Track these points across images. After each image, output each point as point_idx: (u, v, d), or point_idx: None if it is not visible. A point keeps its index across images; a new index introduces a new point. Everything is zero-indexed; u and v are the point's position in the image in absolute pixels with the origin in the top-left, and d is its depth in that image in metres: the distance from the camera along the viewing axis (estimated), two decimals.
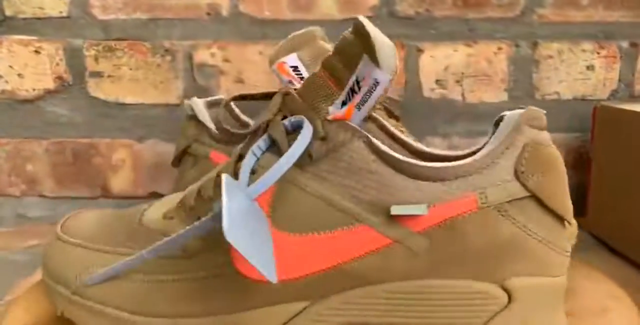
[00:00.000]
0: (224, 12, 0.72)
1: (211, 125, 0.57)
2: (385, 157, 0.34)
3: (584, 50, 0.73)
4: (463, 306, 0.35)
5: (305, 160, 0.34)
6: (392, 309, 0.36)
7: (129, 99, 0.74)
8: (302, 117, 0.34)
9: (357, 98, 0.33)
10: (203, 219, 0.34)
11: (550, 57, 0.73)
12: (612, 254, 0.62)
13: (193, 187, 0.39)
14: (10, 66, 0.73)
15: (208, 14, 0.72)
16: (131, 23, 0.72)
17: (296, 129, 0.35)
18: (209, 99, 0.61)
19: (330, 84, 0.34)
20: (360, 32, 0.33)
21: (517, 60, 0.73)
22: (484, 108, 0.74)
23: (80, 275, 0.38)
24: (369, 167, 0.34)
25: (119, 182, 0.75)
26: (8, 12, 0.72)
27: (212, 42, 0.73)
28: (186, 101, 0.59)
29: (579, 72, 0.74)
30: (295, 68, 0.53)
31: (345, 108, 0.34)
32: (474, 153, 0.38)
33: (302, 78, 0.53)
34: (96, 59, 0.73)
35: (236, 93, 0.73)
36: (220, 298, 0.36)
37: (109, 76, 0.73)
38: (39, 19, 0.72)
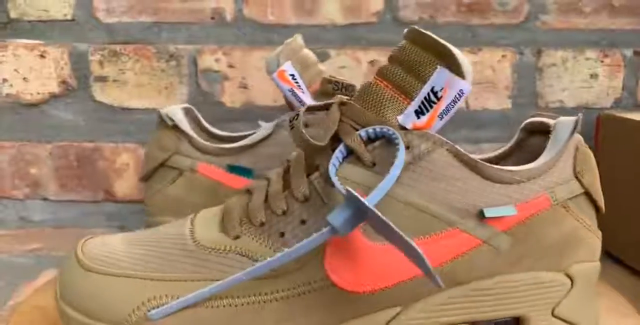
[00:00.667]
0: (228, 17, 0.72)
1: (194, 135, 0.56)
2: (469, 163, 0.37)
3: (587, 58, 0.73)
4: (537, 295, 0.39)
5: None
6: (478, 305, 0.38)
7: (133, 104, 0.74)
8: (384, 127, 0.35)
9: (439, 108, 0.35)
10: (322, 231, 0.33)
11: (554, 65, 0.73)
12: (615, 263, 0.62)
13: (255, 203, 0.37)
14: (16, 70, 0.73)
15: (212, 18, 0.72)
16: (136, 26, 0.72)
17: (371, 139, 0.36)
18: (183, 106, 0.59)
19: (393, 94, 0.36)
20: (422, 41, 0.35)
21: (521, 67, 0.73)
22: (488, 115, 0.74)
23: (138, 310, 0.35)
24: (454, 174, 0.36)
25: (123, 186, 0.75)
26: (13, 15, 0.72)
27: (217, 47, 0.73)
28: (161, 110, 0.57)
29: (582, 80, 0.74)
30: (293, 76, 0.53)
31: (425, 118, 0.36)
32: (501, 156, 0.44)
33: (299, 86, 0.53)
34: (101, 63, 0.73)
35: (241, 99, 0.73)
36: (318, 314, 0.36)
37: (114, 81, 0.73)
38: (43, 22, 0.72)
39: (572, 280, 0.40)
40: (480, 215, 0.37)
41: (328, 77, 0.53)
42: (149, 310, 0.35)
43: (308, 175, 0.37)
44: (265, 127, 0.54)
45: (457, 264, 0.37)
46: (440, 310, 0.38)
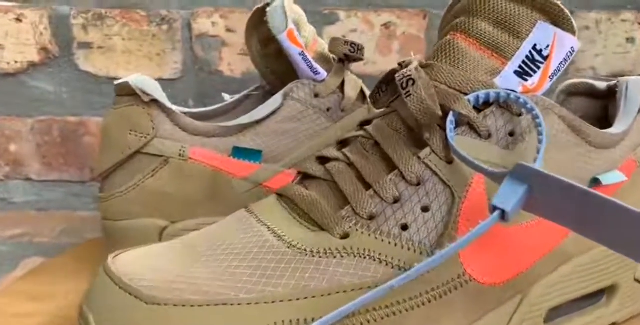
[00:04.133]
0: None
1: (179, 113, 0.45)
2: (579, 129, 0.33)
3: (623, 21, 0.66)
4: (625, 260, 0.37)
5: (508, 140, 0.32)
6: (584, 280, 0.36)
7: (121, 73, 0.67)
8: (502, 90, 0.31)
9: (549, 68, 0.32)
10: (489, 219, 0.27)
11: (587, 28, 0.67)
12: None
13: (351, 191, 0.31)
14: None
15: None
16: None
17: (481, 105, 0.32)
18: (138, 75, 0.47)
19: (482, 53, 0.32)
20: None
21: None
22: None
23: None
24: (566, 141, 0.33)
25: None
26: None
27: (214, 9, 0.66)
28: (130, 81, 0.44)
29: (617, 45, 0.67)
30: (298, 37, 0.45)
31: (535, 79, 0.32)
32: None
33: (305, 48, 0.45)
34: (85, 28, 0.66)
35: (241, 67, 0.66)
36: (464, 311, 0.31)
37: (99, 47, 0.67)
38: None
39: None
40: (594, 183, 0.34)
41: (338, 37, 0.46)
42: None
43: (414, 154, 0.31)
44: (273, 100, 0.46)
45: (569, 239, 0.34)
46: (556, 291, 0.35)
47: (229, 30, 0.66)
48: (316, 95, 0.46)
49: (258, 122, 0.45)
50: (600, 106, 0.41)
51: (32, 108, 0.68)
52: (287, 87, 0.46)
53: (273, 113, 0.45)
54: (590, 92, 0.40)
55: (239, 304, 0.27)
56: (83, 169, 0.69)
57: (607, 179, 0.34)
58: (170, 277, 0.28)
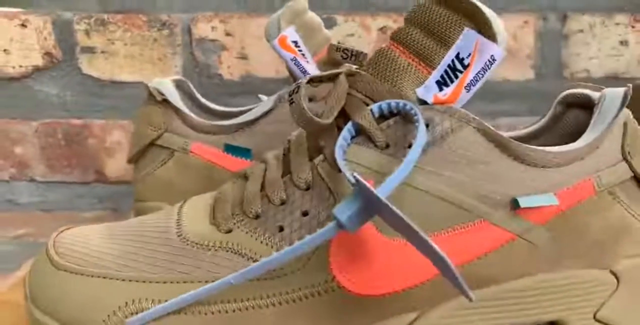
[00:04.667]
0: None
1: (187, 111, 0.50)
2: (501, 143, 0.31)
3: (617, 24, 0.67)
4: (578, 296, 0.34)
5: (407, 151, 0.30)
6: (509, 309, 0.33)
7: (124, 77, 0.69)
8: (401, 101, 0.30)
9: (466, 78, 0.30)
10: (326, 227, 0.28)
11: (581, 31, 0.67)
12: None
13: (250, 191, 0.32)
14: None
15: None
16: None
17: (385, 115, 0.31)
18: (175, 78, 0.53)
19: (411, 61, 0.31)
20: (448, 1, 0.30)
21: (545, 34, 0.67)
22: (507, 86, 0.68)
23: (114, 315, 0.30)
24: (483, 156, 0.31)
25: (115, 167, 0.71)
26: None
27: (213, 14, 0.67)
28: (150, 83, 0.51)
29: (611, 48, 0.68)
30: (295, 43, 0.47)
31: (449, 90, 0.30)
32: (533, 134, 0.39)
33: (303, 54, 0.47)
34: (87, 33, 0.67)
35: (240, 70, 0.68)
36: (323, 321, 0.31)
37: (102, 52, 0.68)
38: None
39: (617, 279, 0.34)
40: (514, 205, 0.31)
41: (336, 43, 0.47)
42: (126, 316, 0.30)
43: (311, 159, 0.32)
44: (265, 102, 0.48)
45: (485, 262, 0.32)
46: (464, 315, 0.33)
47: (228, 34, 0.67)
48: (310, 99, 0.47)
49: (250, 122, 0.47)
50: None
51: (37, 111, 0.69)
52: (282, 90, 0.47)
53: (265, 114, 0.47)
54: (587, 104, 0.37)
55: (117, 279, 0.31)
56: (87, 171, 0.71)
57: (526, 201, 0.31)
58: (85, 251, 0.32)
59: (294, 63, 0.46)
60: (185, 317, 0.30)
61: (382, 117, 0.31)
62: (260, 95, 0.57)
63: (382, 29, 0.67)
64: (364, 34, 0.67)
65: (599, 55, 0.68)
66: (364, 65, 0.33)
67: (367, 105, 0.31)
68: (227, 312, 0.30)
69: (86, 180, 0.71)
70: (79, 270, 0.31)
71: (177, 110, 0.50)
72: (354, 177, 0.27)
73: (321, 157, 0.32)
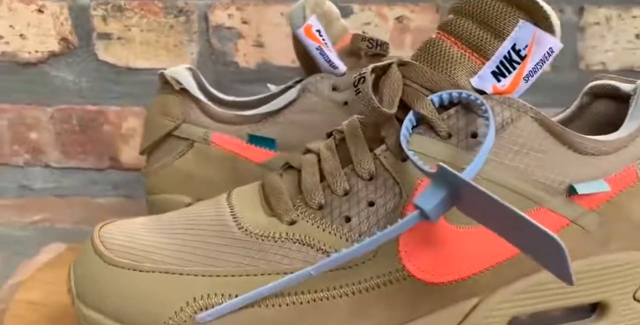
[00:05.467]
0: None
1: (206, 101, 0.50)
2: (557, 133, 0.32)
3: (634, 17, 0.67)
4: (623, 277, 0.35)
5: (469, 141, 0.31)
6: (561, 292, 0.35)
7: (140, 63, 0.68)
8: (463, 91, 0.31)
9: (524, 69, 0.31)
10: (408, 217, 0.28)
11: (597, 24, 0.67)
12: None
13: (309, 182, 0.32)
14: (11, 26, 0.68)
15: None
16: None
17: (444, 105, 0.32)
18: (185, 66, 0.52)
19: (463, 52, 0.32)
20: None
21: (561, 27, 0.67)
22: None
23: (181, 312, 0.30)
24: (541, 145, 0.32)
25: (130, 153, 0.71)
26: None
27: (230, 1, 0.67)
28: (166, 72, 0.50)
29: (628, 41, 0.68)
30: (319, 32, 0.47)
31: (508, 80, 0.31)
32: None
33: (326, 44, 0.47)
34: (104, 19, 0.67)
35: (256, 58, 0.68)
36: (393, 309, 0.32)
37: (118, 38, 0.68)
38: None
39: None
40: (570, 192, 0.33)
41: (360, 33, 0.47)
42: (195, 312, 0.30)
43: (370, 149, 0.32)
44: (290, 92, 0.48)
45: None
46: (520, 300, 0.34)
47: (244, 22, 0.67)
48: (334, 89, 0.47)
49: (274, 112, 0.47)
50: (625, 109, 0.39)
51: (52, 97, 0.69)
52: (306, 79, 0.47)
53: (289, 104, 0.47)
54: (615, 94, 0.38)
55: (180, 274, 0.31)
56: (101, 157, 0.71)
57: (583, 188, 0.33)
58: (134, 245, 0.32)
59: (319, 52, 0.46)
60: (258, 310, 0.30)
61: (441, 106, 0.32)
62: (269, 85, 0.57)
63: (398, 19, 0.67)
64: (380, 23, 0.67)
65: (615, 48, 0.68)
66: (413, 56, 0.33)
67: (424, 95, 0.32)
68: (301, 303, 0.31)
69: (101, 166, 0.71)
70: (134, 265, 0.31)
71: (196, 100, 0.49)
72: (439, 165, 0.27)
73: (383, 147, 0.32)
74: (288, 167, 0.36)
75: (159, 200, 0.50)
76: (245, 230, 0.32)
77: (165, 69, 0.51)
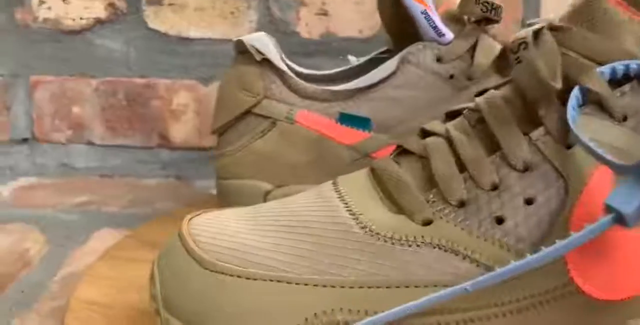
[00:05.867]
0: None
1: (291, 74, 0.44)
2: None
3: None
4: None
5: None
6: None
7: (193, 33, 0.63)
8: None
9: None
10: (601, 221, 0.23)
11: None
12: None
13: (443, 172, 0.27)
14: None
15: None
16: None
17: (614, 80, 0.26)
18: (261, 33, 0.45)
19: (633, 16, 0.26)
20: None
21: None
22: None
23: None
24: None
25: (181, 131, 0.66)
26: None
27: None
28: (245, 39, 0.44)
29: None
30: None
31: None
32: None
33: (431, 7, 0.41)
34: None
35: (320, 28, 0.62)
36: None
37: (170, 4, 0.62)
38: None
39: None
40: None
41: None
42: None
43: (524, 133, 0.27)
44: (386, 65, 0.42)
45: None
46: None
47: None
48: (438, 60, 0.41)
49: (369, 87, 0.42)
50: None
51: (97, 68, 0.64)
52: (405, 50, 0.41)
53: (387, 78, 0.42)
54: None
55: (296, 284, 0.25)
56: (150, 134, 0.66)
57: None
58: (235, 246, 0.27)
59: (425, 17, 0.40)
60: None
61: (611, 82, 0.26)
62: (350, 56, 0.51)
63: None
64: None
65: None
66: (562, 19, 0.27)
67: (591, 67, 0.25)
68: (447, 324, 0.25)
69: (149, 144, 0.66)
70: (238, 271, 0.26)
71: (279, 73, 0.43)
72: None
73: (541, 130, 0.26)
74: (402, 152, 0.30)
75: (233, 186, 0.44)
76: (370, 230, 0.26)
77: (220, 39, 0.45)
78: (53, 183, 0.64)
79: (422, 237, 0.26)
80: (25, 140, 0.66)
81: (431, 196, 0.27)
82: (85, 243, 0.50)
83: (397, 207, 0.27)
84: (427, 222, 0.26)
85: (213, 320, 0.25)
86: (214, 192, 0.48)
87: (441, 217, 0.26)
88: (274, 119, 0.43)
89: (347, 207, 0.27)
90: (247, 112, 0.43)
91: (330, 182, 0.30)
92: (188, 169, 0.65)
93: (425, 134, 0.30)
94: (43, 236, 0.52)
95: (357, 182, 0.29)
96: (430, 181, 0.27)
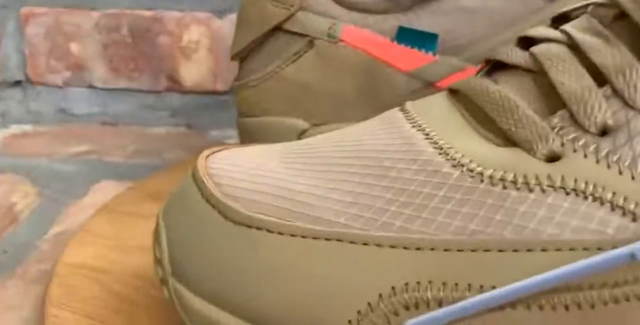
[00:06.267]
0: None
1: None
2: None
3: None
4: None
5: None
6: None
7: None
8: None
9: None
10: None
11: None
12: None
13: (571, 87, 0.20)
14: None
15: None
16: None
17: None
18: None
19: None
20: None
21: None
22: None
23: (371, 313, 0.17)
24: None
25: (192, 71, 0.59)
26: None
27: None
28: None
29: None
30: None
31: None
32: None
33: None
34: None
35: None
36: None
37: None
38: None
39: None
40: None
41: None
42: (396, 312, 0.18)
43: None
44: None
45: None
46: None
47: None
48: None
49: None
50: None
51: None
52: None
53: None
54: None
55: (364, 244, 0.18)
56: (158, 76, 0.59)
57: None
58: (274, 190, 0.20)
59: None
60: (511, 314, 0.17)
61: None
62: None
63: None
64: None
65: None
66: None
67: None
68: (592, 306, 0.18)
69: (156, 88, 0.60)
70: (280, 226, 0.19)
71: None
72: None
73: None
74: (496, 67, 0.22)
75: (258, 125, 0.37)
76: (468, 170, 0.19)
77: None
78: (49, 131, 0.58)
79: (549, 177, 0.18)
80: (17, 83, 0.60)
81: (556, 121, 0.19)
82: (83, 197, 0.44)
83: (504, 138, 0.19)
84: (554, 158, 0.19)
85: (241, 293, 0.18)
86: (230, 142, 0.42)
87: (575, 150, 0.18)
88: (311, 36, 0.35)
89: (430, 139, 0.20)
90: (277, 29, 0.36)
91: (397, 108, 0.23)
92: (200, 117, 0.59)
93: (526, 42, 0.22)
94: (34, 188, 0.46)
95: (435, 108, 0.22)
96: (552, 101, 0.20)
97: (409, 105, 0.23)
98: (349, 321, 0.17)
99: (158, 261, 0.21)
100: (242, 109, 0.38)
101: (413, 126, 0.21)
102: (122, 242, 0.33)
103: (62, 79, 0.60)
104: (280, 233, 0.18)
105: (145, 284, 0.28)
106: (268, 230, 0.18)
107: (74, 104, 0.60)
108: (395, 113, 0.22)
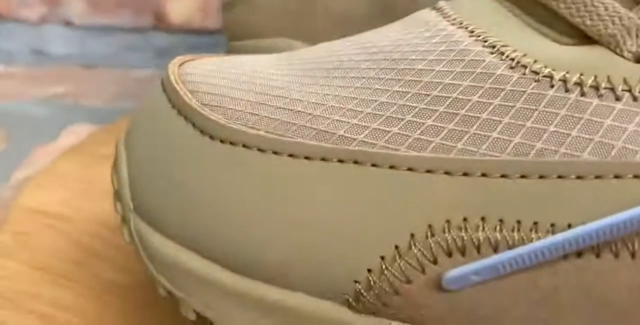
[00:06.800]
0: None
1: None
2: None
3: None
4: None
5: None
6: None
7: None
8: None
9: None
10: None
11: None
12: None
13: None
14: None
15: None
16: None
17: None
18: None
19: None
20: None
21: None
22: None
23: (400, 258, 0.13)
24: None
25: (180, 7, 0.55)
26: None
27: None
28: None
29: None
30: None
31: None
32: None
33: None
34: None
35: None
36: None
37: None
38: None
39: None
40: None
41: None
42: (433, 260, 0.14)
43: None
44: None
45: None
46: None
47: None
48: None
49: None
50: None
51: None
52: None
53: None
54: None
55: (390, 167, 0.14)
56: (142, 12, 0.55)
57: None
58: (264, 99, 0.16)
59: None
60: (596, 264, 0.13)
61: None
62: None
63: None
64: None
65: None
66: None
67: None
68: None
69: (140, 25, 0.56)
70: (277, 143, 0.14)
71: None
72: None
73: None
74: None
75: (253, 48, 0.32)
76: (532, 72, 0.15)
77: None
78: (21, 72, 0.53)
79: (631, 88, 0.14)
80: None
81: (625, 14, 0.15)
82: (53, 141, 0.40)
83: (577, 37, 0.15)
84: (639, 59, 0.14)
85: (221, 232, 0.14)
86: None
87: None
88: None
89: (477, 36, 0.15)
90: None
91: (427, 9, 0.18)
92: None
93: None
94: (2, 131, 0.41)
95: (479, 6, 0.17)
96: None
97: (443, 3, 0.18)
98: (369, 270, 0.13)
99: (117, 195, 0.16)
100: (233, 30, 0.32)
101: (452, 24, 0.16)
102: (91, 186, 0.28)
103: (36, 14, 0.56)
104: (275, 152, 0.14)
105: (113, 234, 0.24)
106: (259, 149, 0.14)
107: (49, 43, 0.56)
108: (425, 13, 0.18)
